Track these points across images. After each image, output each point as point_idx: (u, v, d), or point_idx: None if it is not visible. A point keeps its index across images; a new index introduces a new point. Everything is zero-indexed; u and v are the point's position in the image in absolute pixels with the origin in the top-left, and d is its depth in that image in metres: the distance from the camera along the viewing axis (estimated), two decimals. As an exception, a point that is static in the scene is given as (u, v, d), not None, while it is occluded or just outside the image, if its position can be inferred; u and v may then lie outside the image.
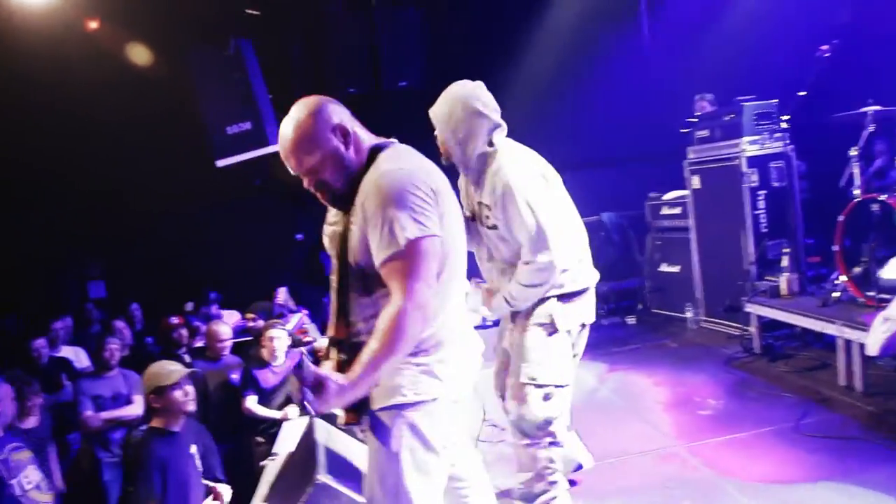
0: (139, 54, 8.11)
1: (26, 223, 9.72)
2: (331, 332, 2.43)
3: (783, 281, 5.73)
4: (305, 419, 4.84)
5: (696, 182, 6.92)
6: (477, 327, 7.56)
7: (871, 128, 5.21)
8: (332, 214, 2.49)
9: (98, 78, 8.20)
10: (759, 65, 8.03)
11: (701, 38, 8.92)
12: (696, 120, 7.06)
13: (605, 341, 6.97)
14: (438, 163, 2.59)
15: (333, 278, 2.43)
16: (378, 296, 2.32)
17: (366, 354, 2.17)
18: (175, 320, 6.43)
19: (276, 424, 5.27)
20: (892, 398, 4.49)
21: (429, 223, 2.23)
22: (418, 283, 2.18)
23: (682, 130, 7.21)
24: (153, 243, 9.63)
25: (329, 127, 2.34)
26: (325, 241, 2.53)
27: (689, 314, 7.06)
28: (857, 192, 5.26)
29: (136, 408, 5.41)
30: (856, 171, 5.32)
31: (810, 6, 7.93)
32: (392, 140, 2.48)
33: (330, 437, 3.54)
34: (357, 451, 3.48)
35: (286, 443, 4.70)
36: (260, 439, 5.38)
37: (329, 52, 8.70)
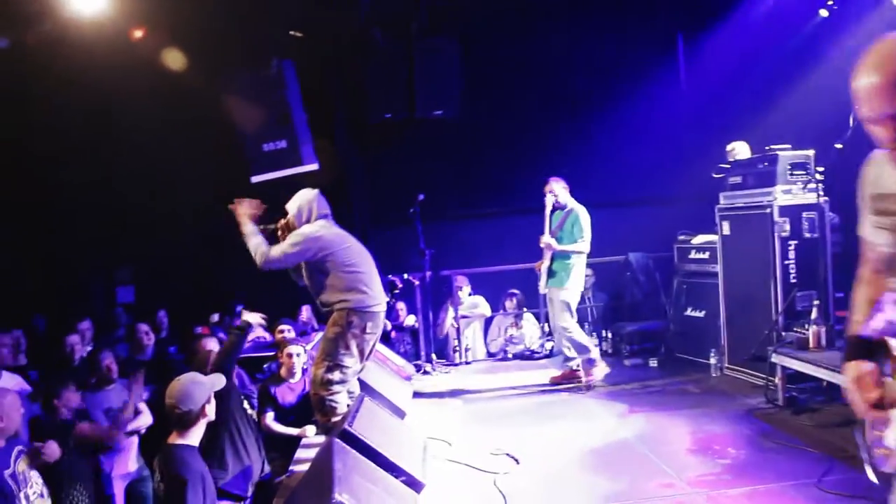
0: (182, 66, 8.26)
1: (59, 227, 9.88)
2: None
3: (811, 333, 5.66)
4: (322, 437, 4.88)
5: (726, 228, 6.90)
6: (521, 357, 7.63)
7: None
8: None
9: (138, 87, 8.36)
10: (796, 113, 8.03)
11: (738, 83, 8.95)
12: (728, 166, 7.07)
13: (627, 382, 6.93)
14: None
15: None
16: None
17: None
18: (200, 331, 6.47)
19: (293, 440, 5.29)
20: (918, 460, 4.41)
21: None
22: None
23: (714, 175, 7.21)
24: (185, 252, 9.73)
25: None
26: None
27: (712, 360, 7.00)
28: (889, 248, 5.22)
29: (146, 417, 5.47)
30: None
31: (853, 57, 7.92)
32: None
33: (352, 458, 3.55)
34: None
35: (304, 460, 4.73)
36: (274, 455, 5.39)
37: (367, 76, 8.82)
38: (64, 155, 9.06)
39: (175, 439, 3.65)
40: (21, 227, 9.53)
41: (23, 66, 7.40)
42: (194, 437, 3.67)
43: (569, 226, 6.87)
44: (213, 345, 5.87)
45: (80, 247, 10.01)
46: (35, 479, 4.11)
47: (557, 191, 6.93)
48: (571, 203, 6.97)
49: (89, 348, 6.79)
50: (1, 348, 5.54)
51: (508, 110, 9.71)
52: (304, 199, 5.00)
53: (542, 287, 7.06)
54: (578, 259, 6.86)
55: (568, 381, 6.96)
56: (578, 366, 6.97)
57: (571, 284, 6.84)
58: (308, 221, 4.91)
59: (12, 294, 9.21)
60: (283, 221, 5.02)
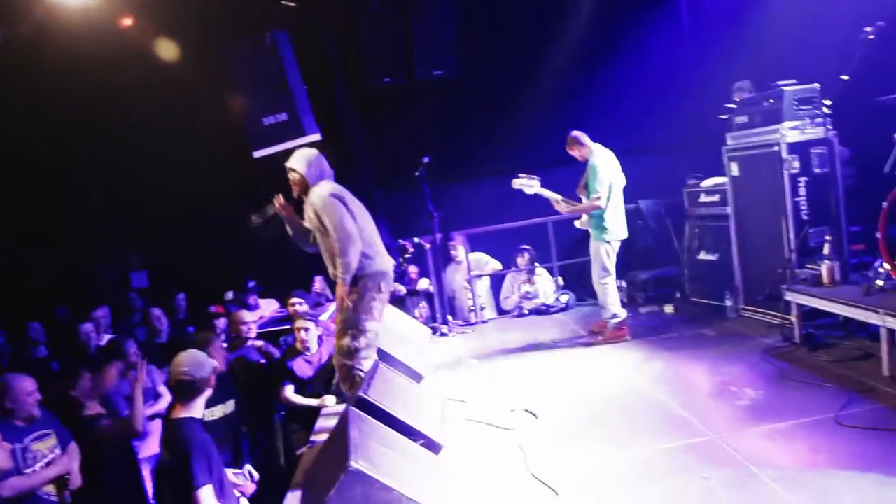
0: (177, 50, 8.22)
1: (72, 216, 9.95)
2: None
3: (825, 269, 5.60)
4: (341, 406, 4.92)
5: (734, 169, 6.82)
6: (537, 312, 7.48)
7: (918, 111, 5.08)
8: None
9: (138, 74, 8.34)
10: (800, 48, 7.84)
11: (740, 22, 8.74)
12: (734, 106, 6.95)
13: (643, 330, 6.92)
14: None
15: None
16: None
17: None
18: (214, 309, 6.51)
19: (313, 412, 5.35)
20: (939, 389, 4.39)
21: None
22: None
23: (720, 116, 7.10)
24: (195, 233, 9.76)
25: None
26: None
27: (728, 303, 6.97)
28: (902, 177, 5.13)
29: (167, 400, 5.51)
30: (901, 155, 5.17)
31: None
32: None
33: (368, 425, 3.57)
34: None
35: (325, 430, 4.77)
36: (296, 426, 5.46)
37: (364, 42, 8.72)
38: (67, 146, 9.09)
39: (178, 412, 3.62)
40: (33, 221, 9.61)
41: (17, 59, 7.38)
42: (197, 408, 3.65)
43: (589, 181, 6.55)
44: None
45: (92, 235, 10.08)
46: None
47: (575, 149, 6.59)
48: (591, 156, 6.54)
49: (107, 336, 6.87)
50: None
51: (509, 66, 9.59)
52: (311, 155, 4.89)
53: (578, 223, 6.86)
54: (605, 213, 6.49)
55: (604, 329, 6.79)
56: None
57: (606, 236, 6.56)
58: (321, 178, 4.85)
59: (32, 287, 9.34)
60: (281, 197, 4.93)
